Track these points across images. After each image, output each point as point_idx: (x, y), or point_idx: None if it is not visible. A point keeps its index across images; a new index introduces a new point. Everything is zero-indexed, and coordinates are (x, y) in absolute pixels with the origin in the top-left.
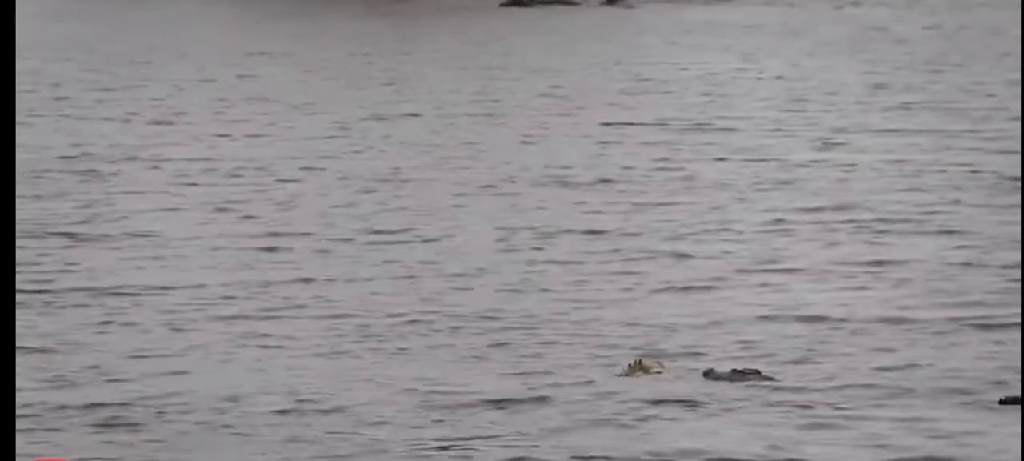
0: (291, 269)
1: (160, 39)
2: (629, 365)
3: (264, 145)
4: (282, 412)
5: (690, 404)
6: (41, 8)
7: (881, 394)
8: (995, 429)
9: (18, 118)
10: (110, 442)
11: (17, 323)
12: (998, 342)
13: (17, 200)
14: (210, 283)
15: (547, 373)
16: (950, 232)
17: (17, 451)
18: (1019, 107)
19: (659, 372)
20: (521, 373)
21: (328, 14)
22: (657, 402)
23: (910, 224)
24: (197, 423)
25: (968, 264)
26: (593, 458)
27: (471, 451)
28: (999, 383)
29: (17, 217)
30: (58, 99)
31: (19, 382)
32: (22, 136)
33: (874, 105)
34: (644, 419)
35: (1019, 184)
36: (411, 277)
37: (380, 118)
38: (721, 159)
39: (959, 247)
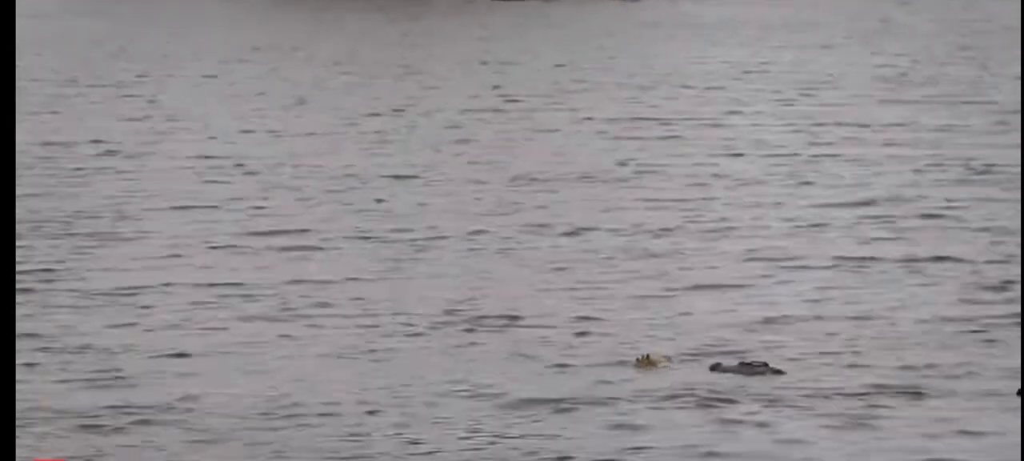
0: (308, 267)
1: (176, 34)
2: (637, 359)
3: (279, 142)
4: (290, 414)
5: (696, 398)
6: (60, 4)
7: (893, 392)
8: (1012, 427)
9: (31, 112)
10: (116, 443)
11: (21, 322)
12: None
13: (26, 196)
14: (226, 282)
15: (558, 367)
16: (965, 229)
17: (17, 451)
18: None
19: (667, 366)
20: (531, 367)
21: (336, 10)
22: (663, 396)
23: (925, 220)
24: (212, 424)
25: (990, 261)
26: (599, 453)
27: (482, 449)
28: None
29: (25, 213)
30: (74, 95)
31: (22, 382)
32: (35, 131)
33: (888, 98)
34: (650, 413)
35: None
36: (423, 276)
37: (395, 114)
38: (735, 154)
39: (976, 244)
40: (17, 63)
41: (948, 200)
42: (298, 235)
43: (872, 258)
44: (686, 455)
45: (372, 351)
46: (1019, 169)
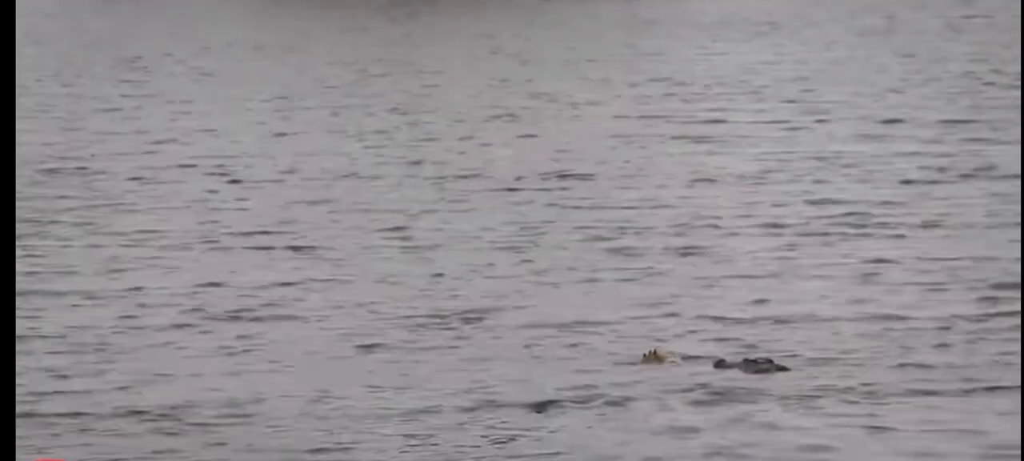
0: (312, 266)
1: (177, 32)
2: (644, 355)
3: (282, 140)
4: (295, 414)
5: (700, 394)
6: (61, 2)
7: (895, 390)
8: (1012, 427)
9: (32, 110)
10: (118, 442)
11: (21, 321)
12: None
13: (26, 196)
14: (228, 282)
15: (563, 365)
16: (968, 227)
17: (17, 451)
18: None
19: (674, 362)
20: (537, 365)
21: (337, 8)
22: (669, 391)
23: (929, 218)
24: (214, 424)
25: (993, 260)
26: (603, 450)
27: (485, 448)
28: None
29: (26, 212)
30: (75, 94)
31: (22, 381)
32: (36, 129)
33: (893, 94)
34: (655, 409)
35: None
36: (429, 275)
37: (398, 113)
38: (740, 152)
39: (979, 242)
40: (17, 61)
41: (951, 198)
42: (302, 234)
43: (877, 256)
44: (690, 452)
45: (376, 350)
46: (1019, 167)
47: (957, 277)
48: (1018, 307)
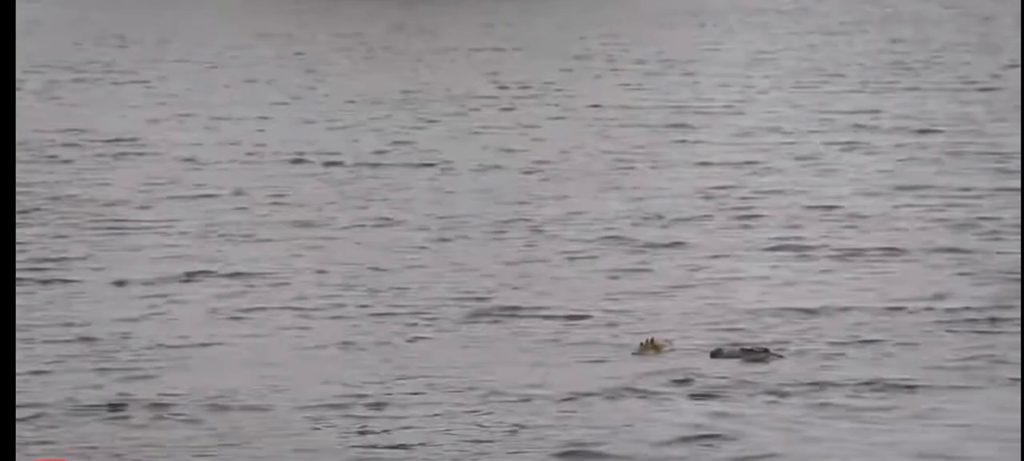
0: (307, 258)
1: (175, 21)
2: (640, 344)
3: (288, 129)
4: (302, 407)
5: (695, 384)
6: None
7: (894, 384)
8: (1012, 424)
9: (33, 101)
10: (121, 440)
11: (20, 316)
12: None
13: (31, 185)
14: (239, 271)
15: (563, 355)
16: (974, 220)
17: (19, 449)
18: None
19: (671, 350)
20: (536, 356)
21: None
22: (665, 381)
23: (932, 212)
24: (216, 418)
25: (995, 253)
26: (598, 439)
27: (487, 443)
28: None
29: (25, 203)
30: (74, 81)
31: (22, 380)
32: (38, 120)
33: (898, 86)
34: (651, 398)
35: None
36: (439, 266)
37: (403, 104)
38: (744, 144)
39: (982, 235)
40: (17, 50)
41: (954, 190)
42: (299, 224)
43: (876, 248)
44: (685, 441)
45: (373, 343)
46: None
47: (956, 272)
48: (1018, 303)
